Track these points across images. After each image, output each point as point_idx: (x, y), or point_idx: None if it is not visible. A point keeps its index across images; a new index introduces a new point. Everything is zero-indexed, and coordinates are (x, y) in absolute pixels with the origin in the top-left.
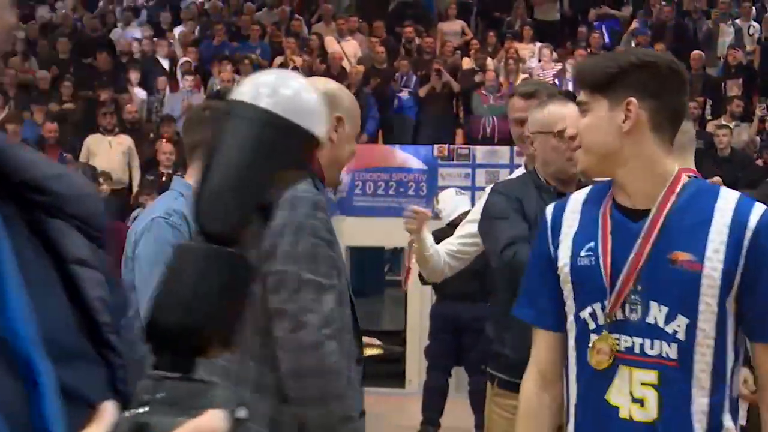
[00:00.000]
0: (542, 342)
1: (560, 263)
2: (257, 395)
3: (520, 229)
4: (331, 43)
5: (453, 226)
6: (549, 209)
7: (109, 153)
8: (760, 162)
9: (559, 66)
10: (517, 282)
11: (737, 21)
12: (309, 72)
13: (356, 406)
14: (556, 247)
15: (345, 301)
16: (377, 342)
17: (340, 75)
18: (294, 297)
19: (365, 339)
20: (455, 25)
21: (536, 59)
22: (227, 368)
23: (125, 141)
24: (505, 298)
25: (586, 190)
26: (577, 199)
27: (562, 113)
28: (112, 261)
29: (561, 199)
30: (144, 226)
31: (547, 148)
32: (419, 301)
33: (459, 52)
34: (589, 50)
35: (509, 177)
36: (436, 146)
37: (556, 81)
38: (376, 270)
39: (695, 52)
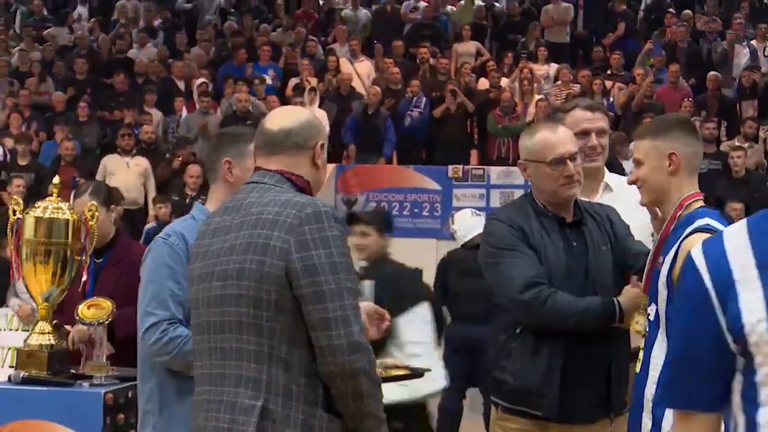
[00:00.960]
0: (699, 427)
1: (748, 320)
2: (288, 401)
3: (535, 267)
4: (345, 65)
5: (468, 247)
6: (698, 258)
7: (126, 173)
8: None
9: (576, 86)
10: (543, 324)
11: (752, 42)
12: (324, 93)
13: None
14: (733, 302)
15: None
16: (403, 364)
17: (350, 96)
18: (340, 304)
19: (391, 361)
20: (470, 46)
21: (551, 80)
22: (258, 378)
23: (142, 162)
24: (504, 325)
25: (743, 221)
26: (736, 234)
27: (553, 141)
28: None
29: (707, 241)
30: (149, 247)
31: (540, 176)
32: (433, 322)
33: (474, 74)
34: (609, 72)
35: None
36: (450, 167)
37: None
38: None
39: (711, 73)
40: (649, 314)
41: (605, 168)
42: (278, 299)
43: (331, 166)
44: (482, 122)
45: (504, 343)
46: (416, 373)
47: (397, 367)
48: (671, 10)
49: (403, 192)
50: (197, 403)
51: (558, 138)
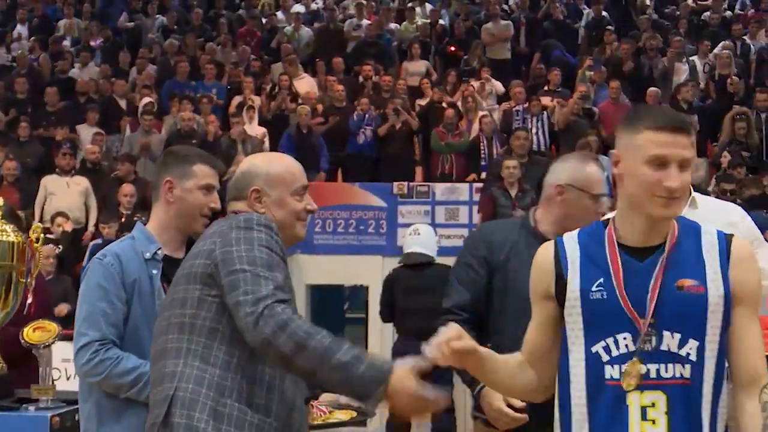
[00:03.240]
0: None
1: None
2: (198, 388)
3: (463, 296)
4: (286, 83)
5: (409, 266)
6: None
7: (66, 193)
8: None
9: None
10: None
11: (692, 58)
12: (266, 111)
13: None
14: None
15: None
16: (355, 405)
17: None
18: (252, 288)
19: (345, 401)
20: (420, 65)
21: (494, 97)
22: (174, 372)
23: (82, 182)
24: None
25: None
26: None
27: (600, 178)
28: None
29: None
30: (86, 267)
31: (578, 205)
32: (380, 339)
33: (415, 92)
34: (547, 87)
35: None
36: (395, 184)
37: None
38: (335, 308)
39: (651, 89)
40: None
41: (690, 186)
42: (200, 296)
43: None
44: (426, 139)
45: None
46: (359, 420)
47: (350, 407)
48: (610, 27)
49: (349, 209)
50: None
51: (602, 177)
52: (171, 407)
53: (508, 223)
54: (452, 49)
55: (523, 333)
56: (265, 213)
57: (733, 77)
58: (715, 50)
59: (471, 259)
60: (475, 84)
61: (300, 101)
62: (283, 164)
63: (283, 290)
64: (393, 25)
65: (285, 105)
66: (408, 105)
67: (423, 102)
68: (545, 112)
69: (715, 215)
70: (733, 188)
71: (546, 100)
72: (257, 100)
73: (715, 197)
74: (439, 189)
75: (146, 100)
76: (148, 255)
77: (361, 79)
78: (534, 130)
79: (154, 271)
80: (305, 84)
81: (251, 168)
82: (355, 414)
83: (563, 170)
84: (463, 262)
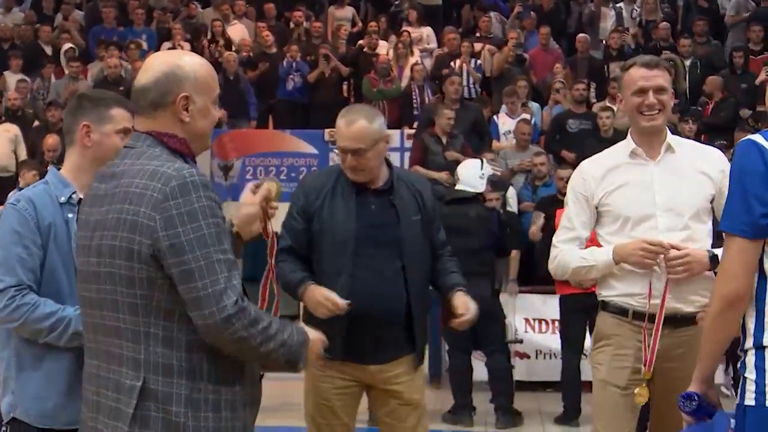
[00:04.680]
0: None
1: None
2: (168, 378)
3: (285, 242)
4: (219, 28)
5: None
6: None
7: None
8: None
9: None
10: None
11: (619, 4)
12: (210, 59)
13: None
14: None
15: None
16: None
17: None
18: (210, 281)
19: None
20: (347, 11)
21: (425, 43)
22: (137, 358)
23: (12, 129)
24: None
25: None
26: None
27: (340, 133)
28: None
29: None
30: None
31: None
32: None
33: (349, 38)
34: (478, 34)
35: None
36: (326, 130)
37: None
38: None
39: (580, 35)
40: None
41: (666, 128)
42: (149, 277)
43: None
44: (358, 85)
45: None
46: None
47: None
48: None
49: (280, 156)
50: (88, 376)
51: (342, 132)
52: (144, 400)
53: (327, 171)
54: None
55: (330, 270)
56: (189, 123)
57: (661, 23)
58: None
59: (293, 208)
60: (410, 30)
61: (233, 48)
62: (203, 67)
63: (234, 265)
64: None
65: (219, 51)
66: (345, 50)
67: (356, 48)
68: (477, 60)
69: (690, 159)
70: None
71: (477, 47)
72: (186, 46)
73: None
74: None
75: (67, 45)
76: (63, 199)
77: (291, 25)
78: (465, 77)
79: (70, 215)
80: (238, 30)
81: (175, 70)
82: None
83: None
84: (288, 212)
